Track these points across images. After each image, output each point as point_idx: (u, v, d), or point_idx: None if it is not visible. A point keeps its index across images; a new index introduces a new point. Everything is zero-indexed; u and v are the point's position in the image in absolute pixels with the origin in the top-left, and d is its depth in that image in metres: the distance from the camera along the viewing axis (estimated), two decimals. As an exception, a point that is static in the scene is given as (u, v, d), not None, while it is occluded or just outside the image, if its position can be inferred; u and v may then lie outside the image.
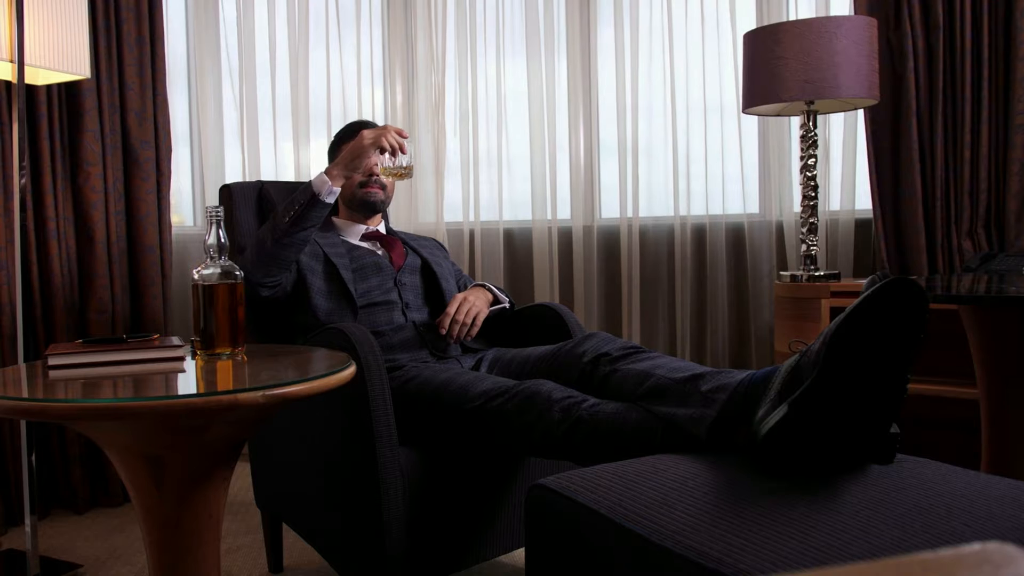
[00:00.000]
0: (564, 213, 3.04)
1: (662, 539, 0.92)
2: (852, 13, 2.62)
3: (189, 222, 3.02)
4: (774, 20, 2.79)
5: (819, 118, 2.52)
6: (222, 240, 1.37)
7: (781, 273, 2.54)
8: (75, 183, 2.44)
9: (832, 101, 2.43)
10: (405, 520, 1.47)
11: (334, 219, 2.01)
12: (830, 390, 1.02)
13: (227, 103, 2.95)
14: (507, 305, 1.98)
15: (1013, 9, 2.44)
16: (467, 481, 1.57)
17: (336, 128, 2.12)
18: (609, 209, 3.05)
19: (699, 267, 2.93)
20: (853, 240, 2.77)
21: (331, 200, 1.72)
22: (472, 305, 1.85)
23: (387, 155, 1.74)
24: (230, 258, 1.39)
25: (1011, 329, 1.69)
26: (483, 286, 1.97)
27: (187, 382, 1.28)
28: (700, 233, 2.92)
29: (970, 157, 2.50)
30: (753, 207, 2.92)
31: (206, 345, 1.35)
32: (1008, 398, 1.74)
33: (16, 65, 1.85)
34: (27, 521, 1.91)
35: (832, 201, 2.82)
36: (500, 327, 1.97)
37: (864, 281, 2.02)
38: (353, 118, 2.80)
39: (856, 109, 2.55)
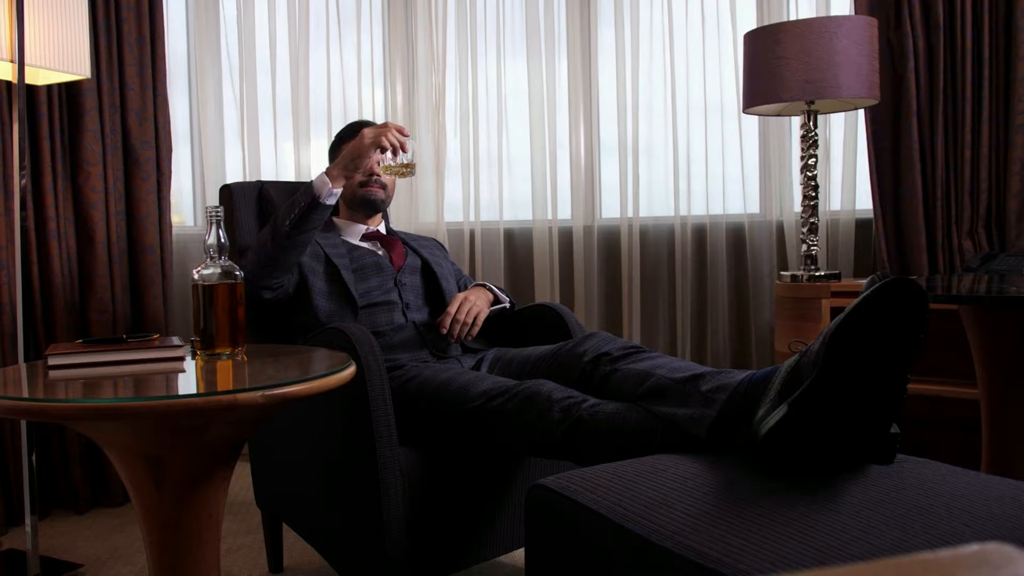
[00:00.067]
0: (564, 213, 3.04)
1: (662, 539, 0.92)
2: (852, 13, 2.62)
3: (189, 222, 3.02)
4: (774, 20, 2.79)
5: (819, 118, 2.52)
6: (222, 240, 1.37)
7: (781, 273, 2.54)
8: (75, 183, 2.44)
9: (832, 101, 2.43)
10: (405, 520, 1.47)
11: (334, 219, 2.01)
12: (830, 390, 1.02)
13: (227, 103, 2.95)
14: (507, 305, 1.98)
15: (1014, 9, 2.44)
16: (467, 481, 1.57)
17: (336, 128, 2.12)
18: (609, 209, 3.04)
19: (699, 267, 2.93)
20: (854, 240, 2.77)
21: (332, 202, 1.71)
22: (473, 305, 1.85)
23: (388, 153, 1.73)
24: (230, 258, 1.39)
25: (1011, 329, 1.69)
26: (483, 286, 1.97)
27: (187, 382, 1.28)
28: (700, 233, 2.92)
29: (970, 157, 2.50)
30: (753, 207, 2.92)
31: (206, 345, 1.35)
32: (1008, 398, 1.74)
33: (16, 65, 1.85)
34: (27, 521, 1.91)
35: (832, 201, 2.81)
36: (500, 327, 1.97)
37: (864, 281, 2.02)
38: (353, 118, 2.80)
39: (856, 109, 2.55)
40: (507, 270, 3.07)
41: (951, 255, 2.52)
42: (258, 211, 2.05)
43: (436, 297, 1.94)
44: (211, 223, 1.37)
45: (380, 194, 1.97)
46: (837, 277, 2.45)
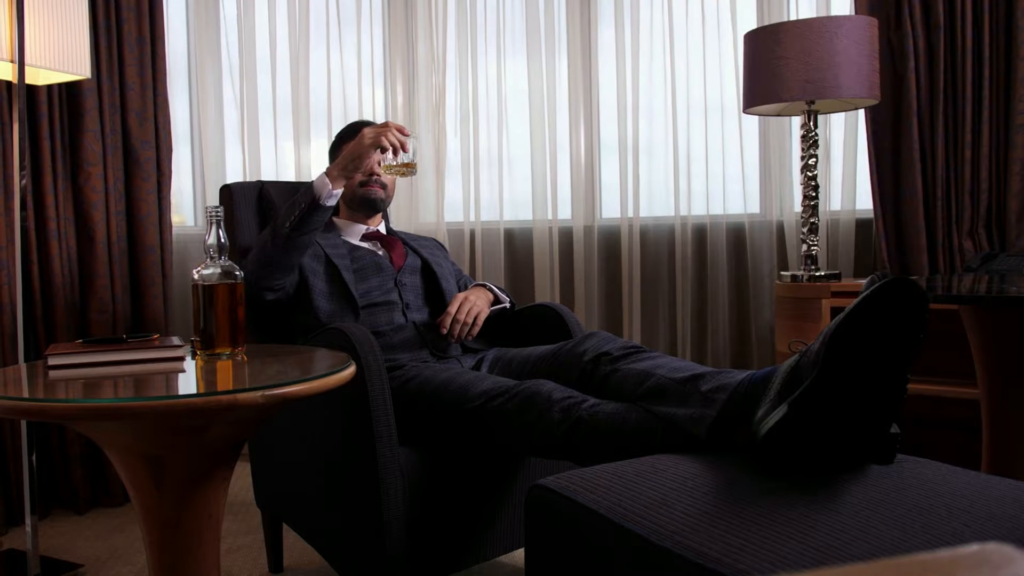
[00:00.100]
0: (565, 213, 3.04)
1: (661, 539, 0.92)
2: (853, 13, 2.62)
3: (190, 222, 3.02)
4: (775, 20, 2.79)
5: (820, 118, 2.52)
6: (222, 240, 1.37)
7: (782, 273, 2.54)
8: (76, 183, 2.44)
9: (833, 101, 2.43)
10: (405, 520, 1.47)
11: (335, 219, 2.01)
12: (830, 390, 1.02)
13: (228, 103, 2.95)
14: (508, 305, 1.98)
15: (1014, 9, 2.44)
16: (467, 481, 1.57)
17: (337, 128, 2.12)
18: (610, 209, 3.04)
19: (700, 267, 2.93)
20: (854, 240, 2.77)
21: (332, 203, 1.71)
22: (473, 305, 1.85)
23: (389, 153, 1.72)
24: (230, 258, 1.39)
25: (1012, 329, 1.69)
26: (484, 286, 1.97)
27: (187, 382, 1.28)
28: (701, 233, 2.92)
29: (971, 157, 2.50)
30: (754, 207, 2.92)
31: (206, 345, 1.35)
32: (1009, 398, 1.74)
33: (16, 65, 1.85)
34: (27, 521, 1.91)
35: (833, 201, 2.81)
36: (500, 327, 1.97)
37: (864, 281, 2.02)
38: (354, 118, 2.80)
39: (857, 109, 2.55)
40: (507, 270, 3.07)
41: (951, 255, 2.52)
42: (258, 211, 2.05)
43: (436, 297, 1.94)
44: (211, 223, 1.37)
45: (380, 193, 1.97)
46: (837, 277, 2.45)
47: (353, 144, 1.73)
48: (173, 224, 2.67)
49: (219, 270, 1.36)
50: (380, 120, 3.02)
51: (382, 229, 2.06)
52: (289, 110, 2.99)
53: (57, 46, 1.93)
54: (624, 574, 0.97)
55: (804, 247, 2.46)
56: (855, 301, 1.01)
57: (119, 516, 2.42)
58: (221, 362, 1.34)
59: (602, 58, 3.02)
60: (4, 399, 1.09)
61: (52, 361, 1.31)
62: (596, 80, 3.03)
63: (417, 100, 3.13)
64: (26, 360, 1.93)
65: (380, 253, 1.95)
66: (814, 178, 2.44)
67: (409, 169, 1.75)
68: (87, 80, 2.33)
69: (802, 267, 2.47)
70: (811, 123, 2.42)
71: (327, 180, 1.70)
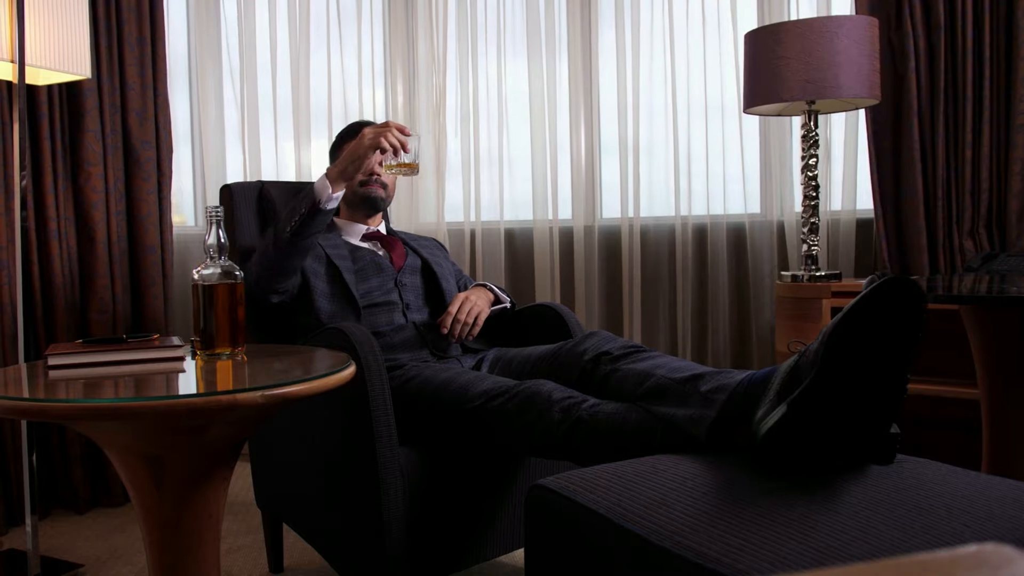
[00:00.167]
0: (565, 213, 3.04)
1: (661, 539, 0.92)
2: (853, 13, 2.62)
3: (190, 222, 3.02)
4: (775, 20, 2.79)
5: (820, 118, 2.52)
6: (222, 240, 1.37)
7: (782, 273, 2.54)
8: (76, 183, 2.44)
9: (833, 101, 2.43)
10: (405, 520, 1.47)
11: (335, 219, 2.01)
12: (828, 390, 1.02)
13: (228, 103, 2.96)
14: (508, 305, 1.98)
15: (1015, 9, 2.44)
16: (467, 481, 1.57)
17: (337, 128, 2.12)
18: (610, 209, 3.04)
19: (700, 267, 2.93)
20: (854, 240, 2.77)
21: (332, 206, 1.70)
22: (474, 305, 1.85)
23: (389, 153, 1.71)
24: (230, 258, 1.39)
25: (1012, 329, 1.69)
26: (484, 286, 1.97)
27: (187, 382, 1.28)
28: (701, 233, 2.92)
29: (971, 157, 2.49)
30: (754, 207, 2.92)
31: (206, 345, 1.35)
32: (1009, 398, 1.74)
33: (17, 65, 1.85)
34: (28, 521, 1.91)
35: (833, 201, 2.81)
36: (501, 327, 1.97)
37: (864, 281, 2.02)
38: (354, 118, 2.80)
39: (857, 109, 2.55)
40: (508, 270, 3.07)
41: (952, 255, 2.52)
42: (258, 211, 2.05)
43: (436, 297, 1.94)
44: (211, 223, 1.37)
45: (381, 192, 1.97)
46: (838, 277, 2.45)
47: (353, 145, 1.71)
48: (173, 224, 2.67)
49: (219, 270, 1.36)
50: (381, 120, 3.02)
51: (382, 229, 2.06)
52: (289, 110, 2.99)
53: (57, 46, 1.93)
54: (624, 574, 0.97)
55: (804, 247, 2.46)
56: (853, 301, 1.01)
57: (119, 516, 2.42)
58: (221, 362, 1.34)
59: (602, 58, 3.02)
60: (4, 399, 1.09)
61: (52, 361, 1.31)
62: (596, 80, 3.02)
63: (417, 100, 3.13)
64: (26, 360, 1.94)
65: (380, 253, 1.95)
66: (814, 178, 2.44)
67: (411, 169, 1.73)
68: (87, 80, 2.33)
69: (802, 267, 2.47)
70: (811, 123, 2.42)
71: (327, 183, 1.68)
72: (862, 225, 2.77)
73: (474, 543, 1.58)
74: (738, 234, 2.90)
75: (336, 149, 2.03)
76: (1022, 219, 2.46)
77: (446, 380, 1.58)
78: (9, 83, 2.23)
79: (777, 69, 2.28)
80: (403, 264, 1.94)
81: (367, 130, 1.70)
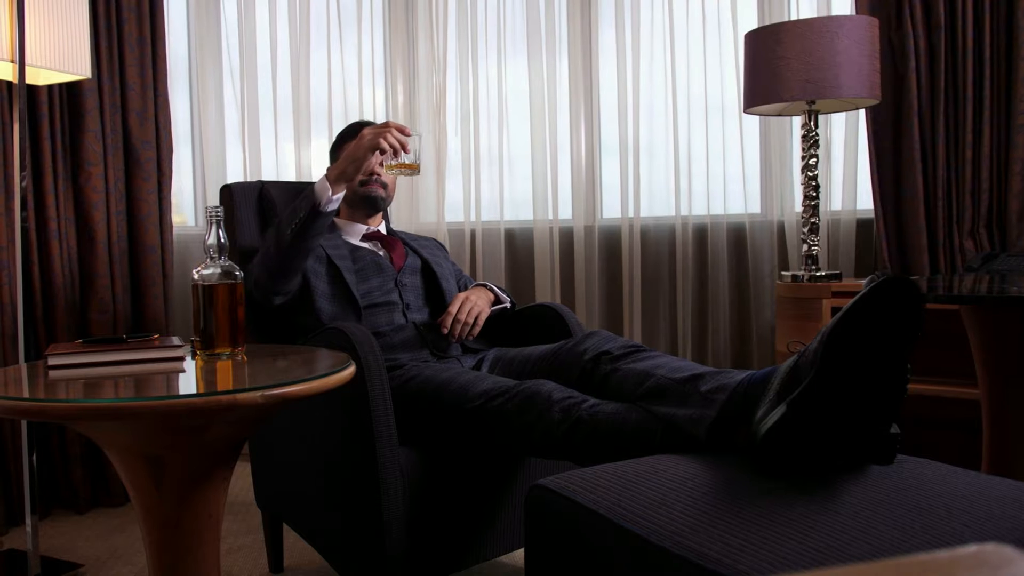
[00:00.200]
0: (565, 213, 3.04)
1: (661, 539, 0.92)
2: (854, 13, 2.62)
3: (191, 222, 3.02)
4: (775, 20, 2.79)
5: (820, 118, 2.51)
6: (222, 240, 1.37)
7: (782, 273, 2.54)
8: (76, 183, 2.44)
9: (833, 101, 2.42)
10: (405, 520, 1.47)
11: (335, 219, 2.01)
12: (827, 390, 1.02)
13: (228, 103, 2.96)
14: (508, 305, 1.98)
15: (1015, 9, 2.44)
16: (467, 481, 1.57)
17: (337, 128, 2.11)
18: (610, 209, 3.04)
19: (700, 267, 2.93)
20: (854, 240, 2.77)
21: (333, 208, 1.69)
22: (474, 304, 1.85)
23: (389, 153, 1.70)
24: (230, 258, 1.39)
25: (1012, 329, 1.69)
26: (484, 286, 1.97)
27: (187, 382, 1.28)
28: (701, 233, 2.92)
29: (972, 157, 2.49)
30: (754, 207, 2.92)
31: (206, 345, 1.35)
32: (1009, 398, 1.74)
33: (17, 65, 1.85)
34: (28, 521, 1.91)
35: (833, 201, 2.81)
36: (501, 327, 1.97)
37: (864, 281, 2.02)
38: (354, 118, 2.80)
39: (857, 109, 2.55)
40: (508, 270, 3.07)
41: (952, 255, 2.52)
42: (258, 211, 2.05)
43: (436, 297, 1.94)
44: (211, 223, 1.37)
45: (381, 192, 1.97)
46: (838, 277, 2.45)
47: (352, 147, 1.71)
48: (174, 224, 2.67)
49: (219, 270, 1.36)
50: (381, 120, 3.02)
51: (382, 229, 2.06)
52: (290, 110, 2.99)
53: (57, 46, 1.93)
54: (624, 574, 0.97)
55: (805, 247, 2.46)
56: (851, 301, 1.01)
57: (119, 516, 2.42)
58: (221, 362, 1.34)
59: (603, 58, 3.02)
60: (4, 399, 1.09)
61: (52, 361, 1.31)
62: (597, 80, 3.02)
63: (418, 100, 3.13)
64: (26, 360, 1.94)
65: (381, 253, 1.95)
66: (815, 178, 2.44)
67: (411, 170, 1.71)
68: (88, 80, 2.33)
69: (803, 267, 2.47)
70: (812, 123, 2.42)
71: (328, 185, 1.68)
72: (862, 225, 2.77)
73: (474, 543, 1.58)
74: (738, 234, 2.90)
75: (336, 149, 2.03)
76: (1022, 219, 2.46)
77: (446, 380, 1.58)
78: (9, 83, 2.23)
79: (777, 69, 2.28)
80: (403, 264, 1.94)
81: (366, 131, 1.69)
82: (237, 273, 1.37)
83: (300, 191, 2.07)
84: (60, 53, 1.94)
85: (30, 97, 2.33)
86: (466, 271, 2.75)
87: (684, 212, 2.90)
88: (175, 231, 2.70)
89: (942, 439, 2.26)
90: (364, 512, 1.48)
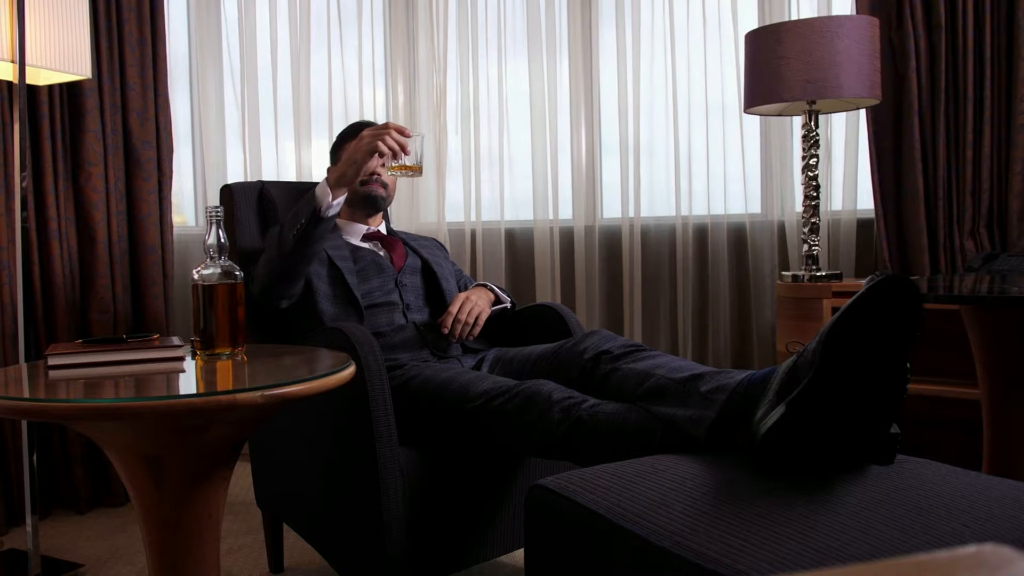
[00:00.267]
0: (566, 213, 3.04)
1: (660, 540, 0.92)
2: (854, 13, 2.62)
3: (191, 222, 3.02)
4: (776, 20, 2.79)
5: (821, 118, 2.51)
6: (222, 240, 1.37)
7: (783, 273, 2.54)
8: (76, 183, 2.44)
9: (834, 101, 2.42)
10: (405, 520, 1.47)
11: (336, 219, 2.00)
12: (827, 389, 1.02)
13: (228, 103, 2.96)
14: (508, 305, 1.98)
15: (1015, 9, 2.44)
16: (467, 481, 1.57)
17: (338, 128, 2.11)
18: (611, 209, 3.04)
19: (701, 267, 2.93)
20: (855, 240, 2.77)
21: (333, 213, 1.69)
22: (474, 304, 1.85)
23: (388, 155, 1.69)
24: (230, 258, 1.39)
25: (1013, 329, 1.69)
26: (484, 286, 1.97)
27: (187, 382, 1.28)
28: (702, 233, 2.92)
29: (972, 157, 2.49)
30: (755, 207, 2.92)
31: (206, 345, 1.35)
32: (1009, 398, 1.74)
33: (17, 65, 1.85)
34: (28, 521, 1.91)
35: (834, 201, 2.81)
36: (501, 327, 1.97)
37: (865, 281, 2.02)
38: (355, 118, 2.80)
39: (858, 109, 2.55)
40: (508, 270, 3.07)
41: (953, 255, 2.52)
42: (259, 211, 2.05)
43: (436, 297, 1.94)
44: (211, 223, 1.37)
45: (381, 192, 1.97)
46: (838, 277, 2.44)
47: (351, 149, 1.70)
48: (174, 224, 2.67)
49: (219, 270, 1.36)
50: (381, 120, 3.02)
51: (383, 229, 2.06)
52: (290, 110, 2.99)
53: (58, 46, 1.93)
54: (623, 574, 0.97)
55: (805, 247, 2.46)
56: (850, 300, 1.01)
57: (120, 516, 2.42)
58: (221, 362, 1.34)
59: (603, 58, 3.02)
60: (5, 399, 1.09)
61: (52, 361, 1.31)
62: (597, 80, 3.02)
63: (418, 100, 3.13)
64: (27, 360, 1.94)
65: (381, 254, 1.95)
66: (815, 178, 2.44)
67: (413, 171, 1.70)
68: (88, 80, 2.33)
69: (803, 267, 2.47)
70: (812, 123, 2.42)
71: (328, 188, 1.67)
72: (863, 225, 2.77)
73: (474, 543, 1.58)
74: (739, 234, 2.90)
75: (337, 149, 2.03)
76: (1023, 219, 2.46)
77: (446, 380, 1.58)
78: (9, 83, 2.23)
79: (778, 69, 2.28)
80: (403, 264, 1.94)
81: (365, 132, 1.68)
82: (237, 273, 1.37)
83: (300, 191, 2.08)
84: (60, 53, 1.94)
85: (30, 97, 2.33)
86: (466, 271, 2.75)
87: (684, 212, 2.90)
88: (175, 231, 2.70)
89: (942, 439, 2.26)
90: (364, 512, 1.48)
